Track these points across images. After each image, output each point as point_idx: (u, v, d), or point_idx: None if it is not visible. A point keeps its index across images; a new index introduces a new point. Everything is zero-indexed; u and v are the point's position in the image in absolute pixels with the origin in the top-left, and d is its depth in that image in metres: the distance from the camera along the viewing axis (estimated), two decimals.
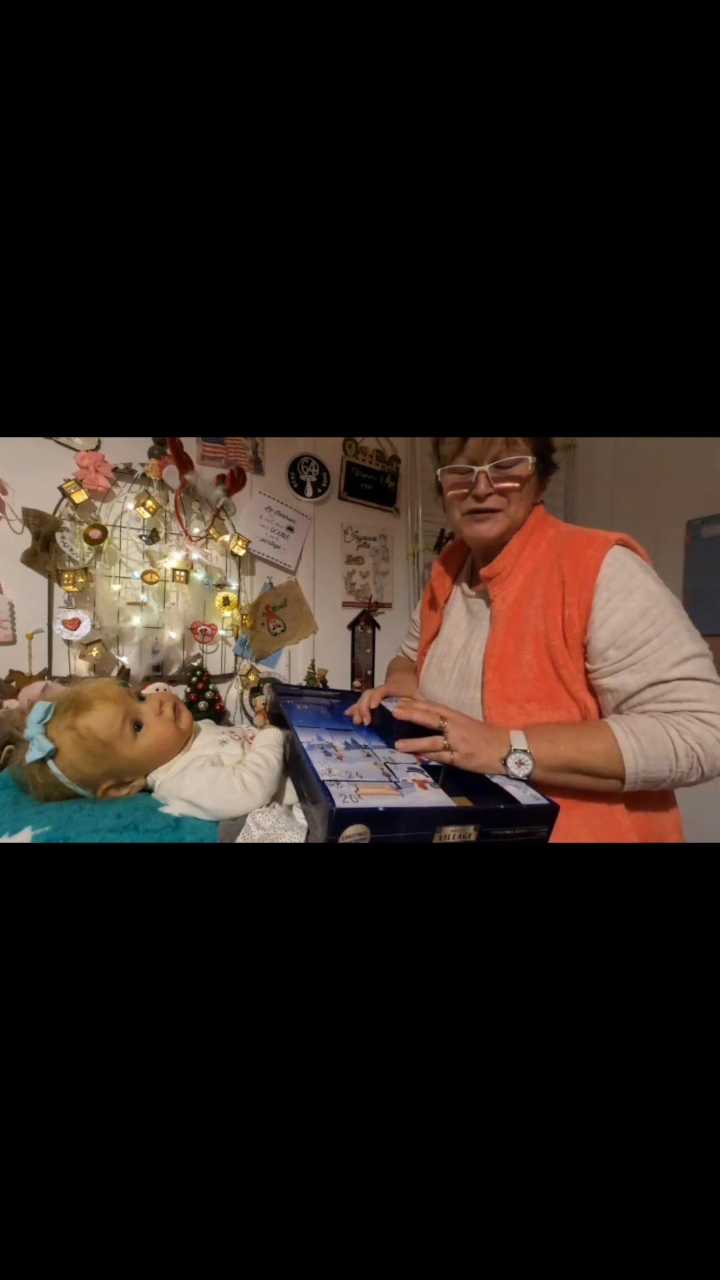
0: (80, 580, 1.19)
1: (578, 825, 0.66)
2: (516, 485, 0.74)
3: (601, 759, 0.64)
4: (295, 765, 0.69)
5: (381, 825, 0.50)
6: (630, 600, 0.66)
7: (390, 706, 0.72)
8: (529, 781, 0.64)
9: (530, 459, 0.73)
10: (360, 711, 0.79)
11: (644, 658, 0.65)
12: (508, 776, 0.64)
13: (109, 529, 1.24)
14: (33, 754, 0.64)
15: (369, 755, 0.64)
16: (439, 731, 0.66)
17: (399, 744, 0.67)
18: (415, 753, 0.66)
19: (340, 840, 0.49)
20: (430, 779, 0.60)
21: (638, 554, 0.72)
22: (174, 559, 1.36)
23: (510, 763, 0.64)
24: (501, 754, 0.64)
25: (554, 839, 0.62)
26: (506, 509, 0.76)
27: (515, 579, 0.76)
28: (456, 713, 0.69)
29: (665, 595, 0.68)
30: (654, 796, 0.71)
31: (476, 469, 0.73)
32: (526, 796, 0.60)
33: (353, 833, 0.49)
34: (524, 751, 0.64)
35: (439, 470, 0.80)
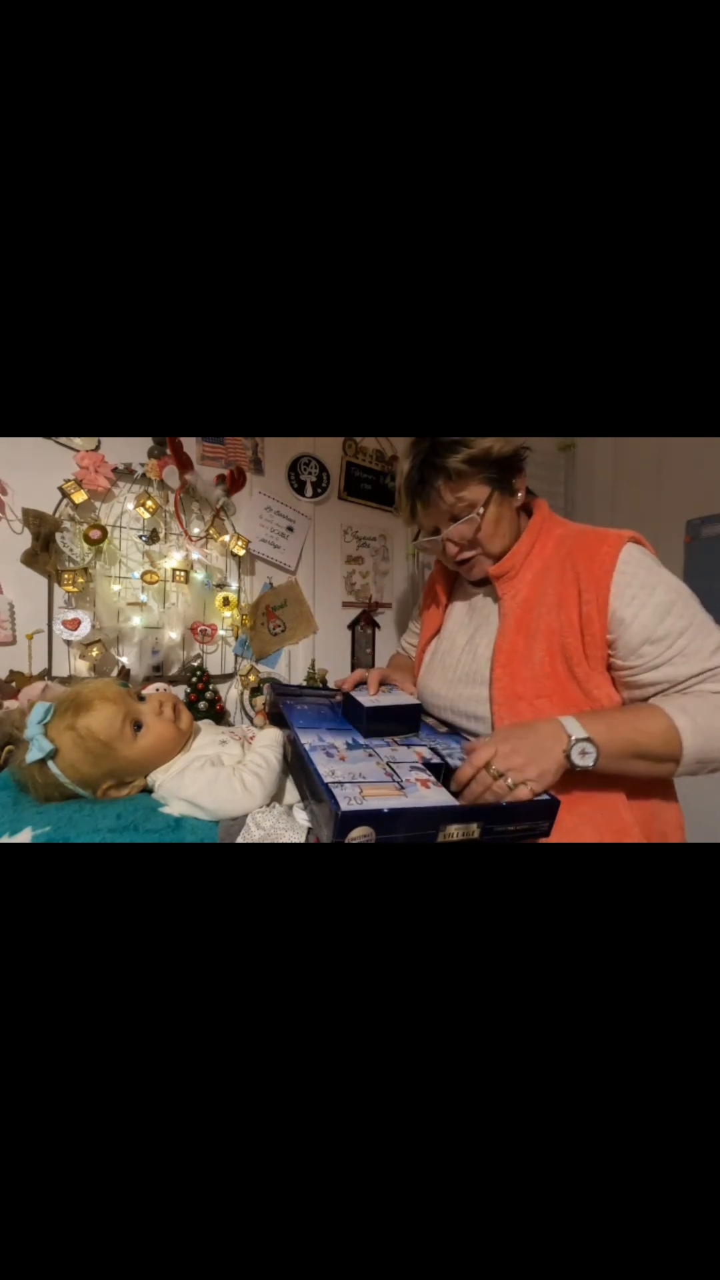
0: (80, 580, 1.19)
1: (581, 823, 0.66)
2: (474, 532, 0.76)
3: (659, 740, 0.62)
4: (298, 765, 0.69)
5: (386, 825, 0.50)
6: (655, 596, 0.67)
7: (360, 697, 0.73)
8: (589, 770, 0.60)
9: (478, 512, 0.74)
10: (342, 685, 0.82)
11: (684, 648, 0.66)
12: (572, 770, 0.60)
13: (109, 529, 1.24)
14: (33, 754, 0.64)
15: (371, 755, 0.64)
16: (415, 707, 0.66)
17: (463, 797, 0.60)
18: (476, 801, 0.59)
19: (346, 842, 0.49)
20: (433, 778, 0.60)
21: (648, 551, 0.73)
22: (174, 559, 1.35)
23: (574, 754, 0.60)
24: (562, 747, 0.60)
25: (559, 837, 0.62)
26: (488, 548, 0.78)
27: (524, 577, 0.77)
28: (488, 740, 0.63)
29: (683, 587, 0.69)
30: (657, 791, 0.71)
31: (438, 538, 0.77)
32: None
33: (358, 834, 0.49)
34: (586, 740, 0.61)
35: (411, 544, 0.84)
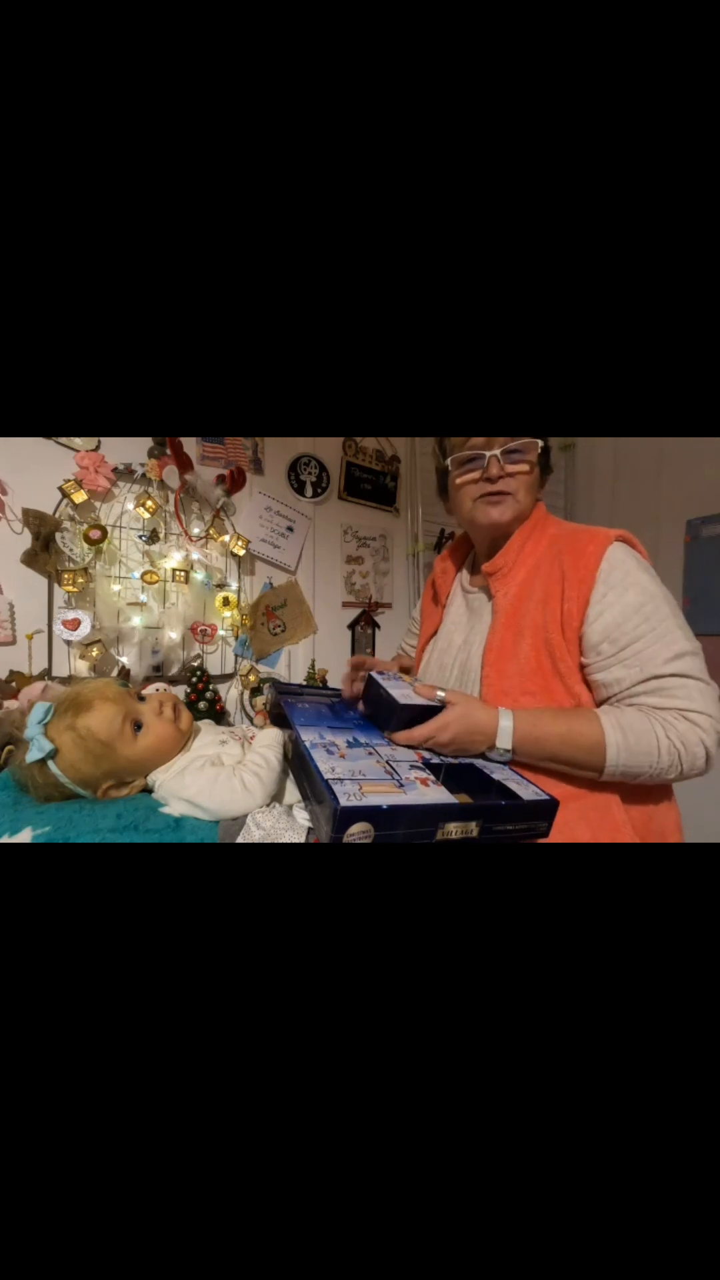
0: (80, 580, 1.19)
1: (574, 819, 0.66)
2: (526, 469, 0.77)
3: (585, 753, 0.65)
4: (298, 764, 0.69)
5: (385, 822, 0.50)
6: (626, 596, 0.67)
7: (390, 689, 0.72)
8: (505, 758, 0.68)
9: (539, 442, 0.76)
10: (345, 686, 0.82)
11: (637, 653, 0.66)
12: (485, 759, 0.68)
13: (109, 529, 1.24)
14: (33, 754, 0.64)
15: (371, 753, 0.64)
16: (438, 709, 0.68)
17: (396, 736, 0.68)
18: (409, 745, 0.68)
19: (345, 838, 0.49)
20: (432, 776, 0.60)
21: (637, 551, 0.73)
22: (174, 559, 1.35)
23: (492, 755, 0.67)
24: (486, 746, 0.68)
25: (554, 829, 0.62)
26: (516, 494, 0.78)
27: (517, 574, 0.78)
28: (444, 716, 0.68)
29: (661, 592, 0.69)
30: (652, 793, 0.72)
31: (487, 454, 0.76)
32: (527, 793, 0.61)
33: (357, 830, 0.49)
34: (508, 750, 0.67)
35: (447, 460, 0.82)
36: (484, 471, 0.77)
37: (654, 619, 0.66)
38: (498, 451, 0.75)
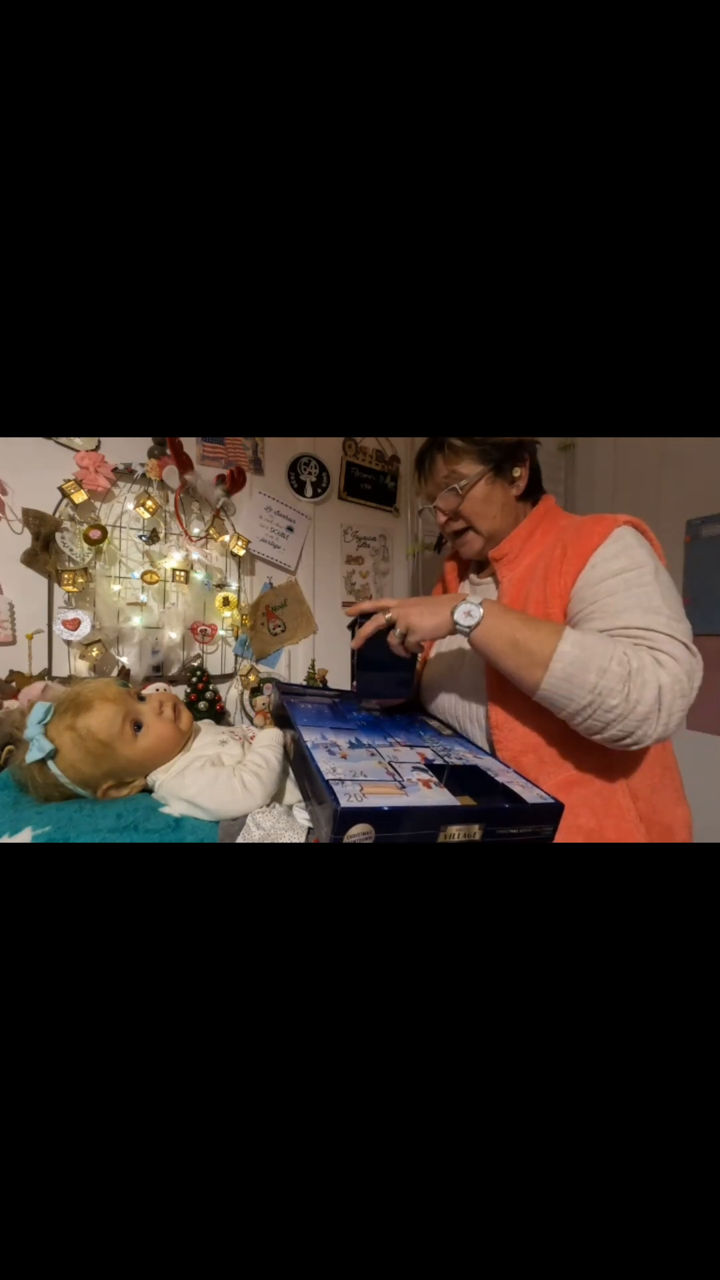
0: (80, 580, 1.19)
1: (578, 804, 0.66)
2: (456, 502, 0.80)
3: (538, 641, 0.62)
4: (300, 764, 0.69)
5: (386, 824, 0.50)
6: (615, 563, 0.67)
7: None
8: (468, 633, 0.66)
9: (460, 484, 0.78)
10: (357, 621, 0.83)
11: (608, 608, 0.65)
12: (455, 630, 0.67)
13: (109, 529, 1.24)
14: (33, 754, 0.64)
15: (373, 754, 0.64)
16: (408, 661, 0.69)
17: (357, 635, 0.71)
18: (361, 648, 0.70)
19: (345, 839, 0.49)
20: (435, 778, 0.60)
21: (646, 538, 0.72)
22: (174, 559, 1.35)
23: (458, 613, 0.66)
24: (452, 606, 0.66)
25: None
26: (476, 525, 0.81)
27: (523, 560, 0.79)
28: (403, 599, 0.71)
29: (654, 568, 0.67)
30: (660, 789, 0.71)
31: (433, 505, 0.82)
32: (532, 796, 0.60)
33: (357, 832, 0.49)
34: (475, 604, 0.66)
35: (410, 544, 0.89)
36: (437, 523, 0.84)
37: (635, 586, 0.64)
38: (438, 502, 0.80)
